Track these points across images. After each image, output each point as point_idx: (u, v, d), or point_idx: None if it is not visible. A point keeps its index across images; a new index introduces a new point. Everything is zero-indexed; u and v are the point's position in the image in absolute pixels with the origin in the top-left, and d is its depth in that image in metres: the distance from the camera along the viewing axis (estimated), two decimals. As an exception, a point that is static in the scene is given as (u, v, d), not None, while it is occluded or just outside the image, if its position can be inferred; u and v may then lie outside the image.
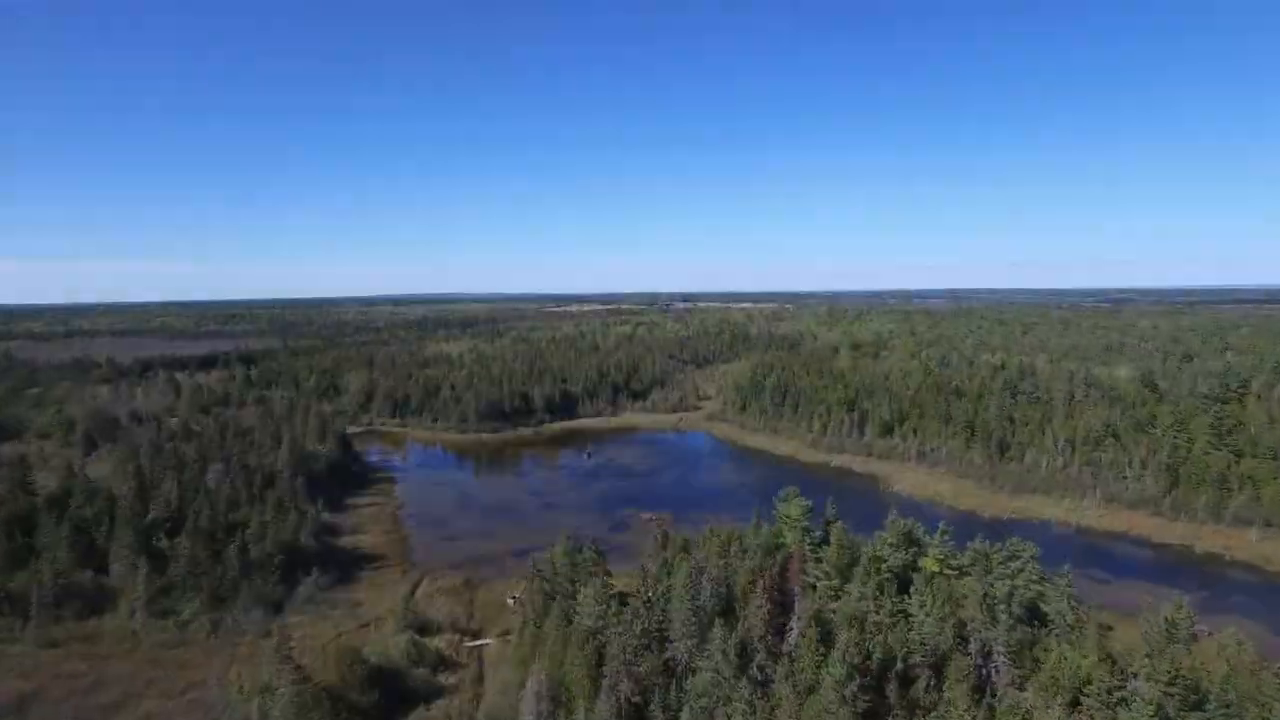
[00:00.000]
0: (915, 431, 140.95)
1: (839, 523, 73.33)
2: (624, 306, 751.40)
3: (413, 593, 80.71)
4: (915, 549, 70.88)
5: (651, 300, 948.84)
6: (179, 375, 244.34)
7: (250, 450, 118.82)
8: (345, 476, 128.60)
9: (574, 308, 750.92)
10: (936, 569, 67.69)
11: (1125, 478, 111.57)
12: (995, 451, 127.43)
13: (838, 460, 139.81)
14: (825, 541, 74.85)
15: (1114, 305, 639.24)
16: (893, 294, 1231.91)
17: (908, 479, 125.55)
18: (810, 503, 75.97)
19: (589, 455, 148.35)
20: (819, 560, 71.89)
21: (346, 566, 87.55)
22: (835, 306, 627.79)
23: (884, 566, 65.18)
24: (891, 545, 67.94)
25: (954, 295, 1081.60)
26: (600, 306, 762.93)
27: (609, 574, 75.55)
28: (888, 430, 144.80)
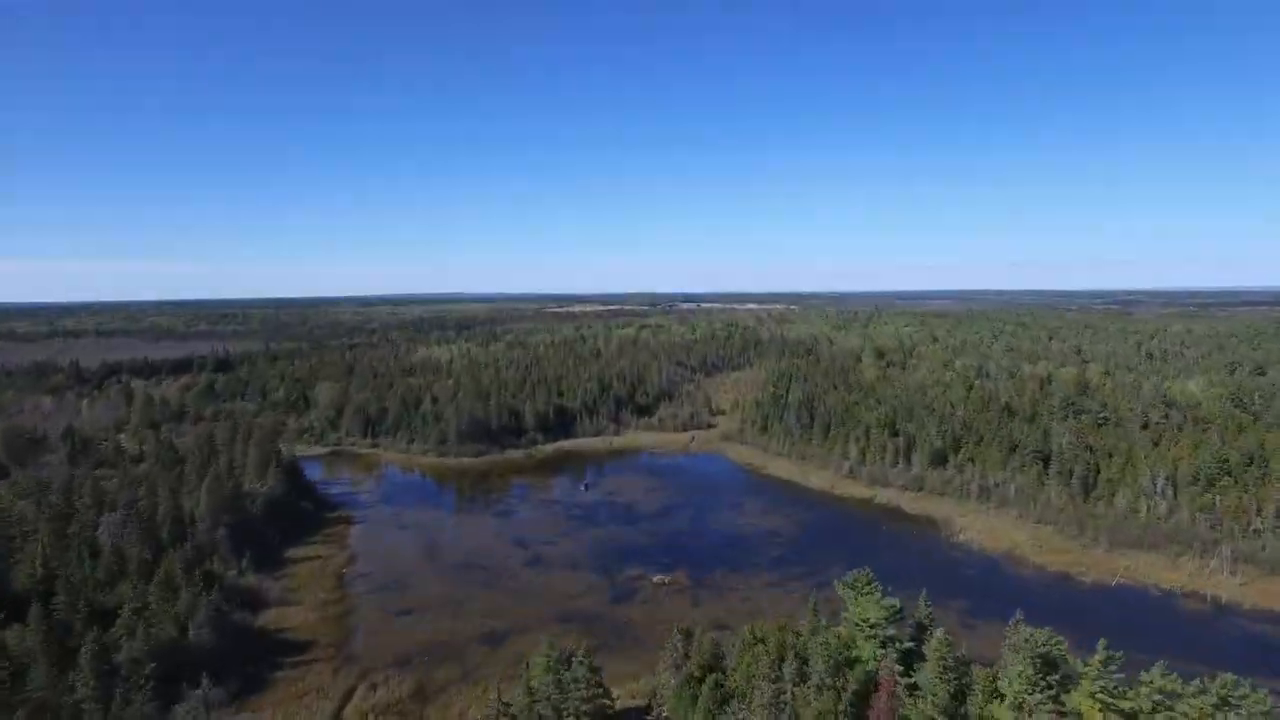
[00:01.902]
0: (973, 461, 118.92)
1: (941, 631, 51.05)
2: (626, 308, 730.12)
3: (340, 712, 58.72)
4: (1053, 673, 48.75)
5: (653, 301, 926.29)
6: (139, 383, 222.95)
7: (164, 490, 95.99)
8: (293, 517, 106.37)
9: (575, 308, 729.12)
10: (1099, 715, 45.66)
11: (1258, 531, 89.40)
12: (1078, 490, 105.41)
13: (883, 496, 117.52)
14: (918, 654, 52.81)
15: (1122, 307, 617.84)
16: (894, 295, 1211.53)
17: (973, 524, 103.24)
18: (898, 604, 53.54)
19: (586, 487, 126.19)
20: (913, 690, 49.82)
21: (258, 664, 65.34)
22: (844, 308, 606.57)
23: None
24: (1029, 680, 45.75)
25: (957, 296, 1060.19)
26: (601, 307, 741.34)
27: (608, 697, 53.75)
28: (940, 459, 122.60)
